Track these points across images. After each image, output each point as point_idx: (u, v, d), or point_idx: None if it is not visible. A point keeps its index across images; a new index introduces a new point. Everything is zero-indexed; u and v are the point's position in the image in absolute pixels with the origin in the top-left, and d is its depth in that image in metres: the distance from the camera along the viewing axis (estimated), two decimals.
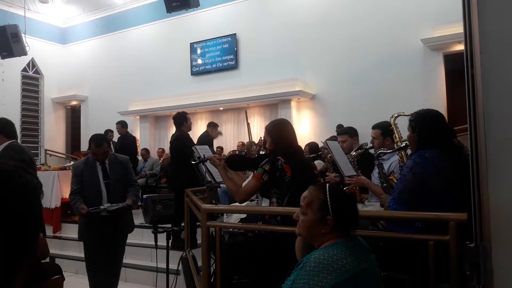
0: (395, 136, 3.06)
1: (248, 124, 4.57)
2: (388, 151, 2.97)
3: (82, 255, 5.69)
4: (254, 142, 6.45)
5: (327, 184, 1.60)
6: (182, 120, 4.97)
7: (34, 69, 12.68)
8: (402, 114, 3.10)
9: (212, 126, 7.10)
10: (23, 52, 8.35)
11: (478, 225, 1.19)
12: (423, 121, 2.27)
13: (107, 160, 3.54)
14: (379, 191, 2.80)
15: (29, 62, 12.30)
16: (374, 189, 2.90)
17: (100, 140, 3.49)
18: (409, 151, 2.70)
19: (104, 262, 3.50)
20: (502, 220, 1.15)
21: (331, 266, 1.39)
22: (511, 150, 1.16)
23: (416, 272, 1.95)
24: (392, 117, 3.12)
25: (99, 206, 3.34)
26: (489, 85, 1.17)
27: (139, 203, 6.55)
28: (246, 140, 7.63)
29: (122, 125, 7.25)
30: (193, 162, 3.35)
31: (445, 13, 7.29)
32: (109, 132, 8.51)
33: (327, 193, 1.53)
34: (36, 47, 11.53)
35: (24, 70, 12.37)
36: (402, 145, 2.86)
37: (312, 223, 1.54)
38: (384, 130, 3.19)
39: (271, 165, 2.55)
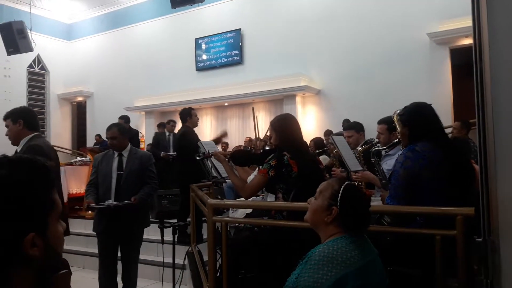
0: None
1: (255, 120, 4.55)
2: (383, 148, 2.99)
3: (89, 250, 5.79)
4: (259, 138, 6.44)
5: (349, 181, 1.61)
6: (186, 115, 5.01)
7: (40, 65, 12.74)
8: None
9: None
10: (29, 49, 8.36)
11: (486, 220, 1.18)
12: (413, 114, 2.27)
13: (126, 153, 3.57)
14: None
15: (35, 58, 12.36)
16: (380, 184, 2.90)
17: (111, 124, 3.66)
18: None
19: (115, 256, 3.54)
20: (510, 214, 1.14)
21: (336, 260, 1.41)
22: None
23: (423, 267, 1.94)
24: (394, 113, 3.10)
25: (101, 203, 3.38)
26: (498, 80, 1.16)
27: None
28: (252, 135, 7.61)
29: (125, 120, 7.25)
30: (197, 158, 3.36)
31: (451, 7, 7.22)
32: (171, 121, 8.21)
33: (343, 186, 1.55)
34: (42, 44, 11.56)
35: (30, 66, 12.44)
36: (395, 141, 2.84)
37: (318, 208, 1.57)
38: (390, 125, 3.16)
39: (277, 160, 2.54)
